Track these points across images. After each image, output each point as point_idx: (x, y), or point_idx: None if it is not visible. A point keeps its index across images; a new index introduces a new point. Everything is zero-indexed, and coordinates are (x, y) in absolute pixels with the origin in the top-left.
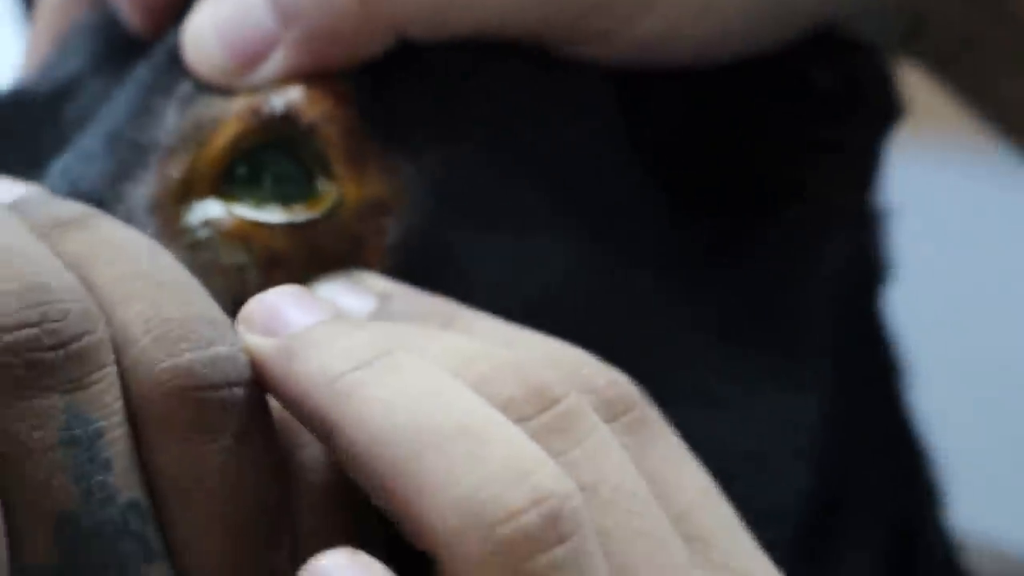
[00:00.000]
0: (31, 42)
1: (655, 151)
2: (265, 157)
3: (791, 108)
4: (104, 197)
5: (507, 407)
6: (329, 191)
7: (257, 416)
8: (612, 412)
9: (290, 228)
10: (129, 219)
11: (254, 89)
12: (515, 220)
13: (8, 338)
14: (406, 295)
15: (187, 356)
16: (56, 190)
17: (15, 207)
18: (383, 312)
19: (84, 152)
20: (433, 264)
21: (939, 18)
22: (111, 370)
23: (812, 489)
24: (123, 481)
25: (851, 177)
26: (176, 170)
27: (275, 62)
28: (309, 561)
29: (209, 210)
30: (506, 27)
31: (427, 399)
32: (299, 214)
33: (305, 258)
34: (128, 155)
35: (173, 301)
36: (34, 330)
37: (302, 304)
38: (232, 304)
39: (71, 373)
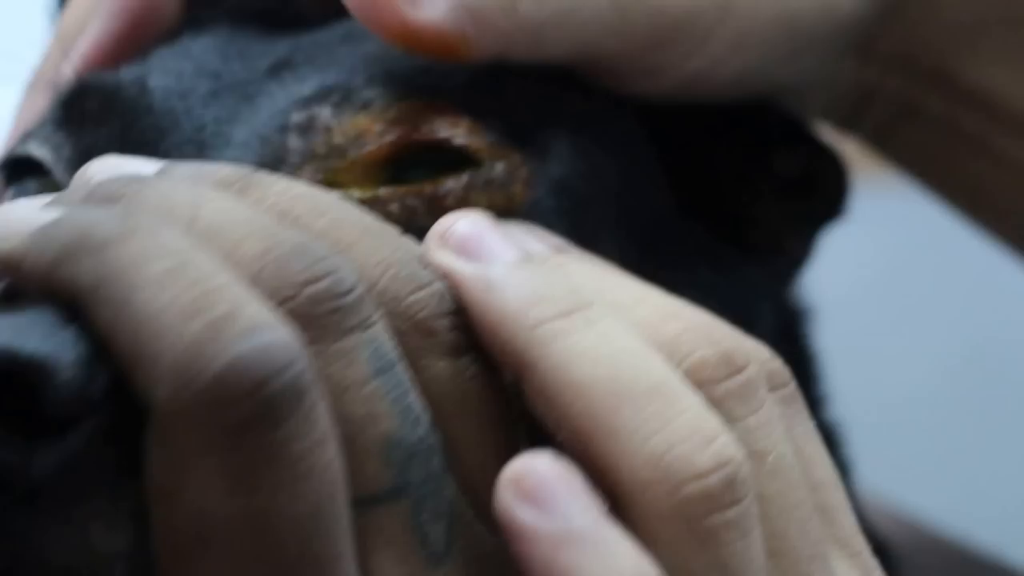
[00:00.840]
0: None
1: (670, 174)
2: (414, 154)
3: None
4: None
5: (700, 367)
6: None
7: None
8: (772, 384)
9: (469, 183)
10: None
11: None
12: (592, 217)
13: (309, 291)
14: (581, 253)
15: (422, 292)
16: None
17: (170, 176)
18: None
19: (229, 157)
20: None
21: (882, 90)
22: (379, 309)
23: None
24: (419, 402)
25: (782, 260)
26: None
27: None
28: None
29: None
30: (588, 54)
31: (624, 356)
32: (463, 175)
33: (467, 193)
34: (274, 155)
35: (386, 244)
36: (324, 282)
37: (501, 235)
38: None
39: (363, 313)
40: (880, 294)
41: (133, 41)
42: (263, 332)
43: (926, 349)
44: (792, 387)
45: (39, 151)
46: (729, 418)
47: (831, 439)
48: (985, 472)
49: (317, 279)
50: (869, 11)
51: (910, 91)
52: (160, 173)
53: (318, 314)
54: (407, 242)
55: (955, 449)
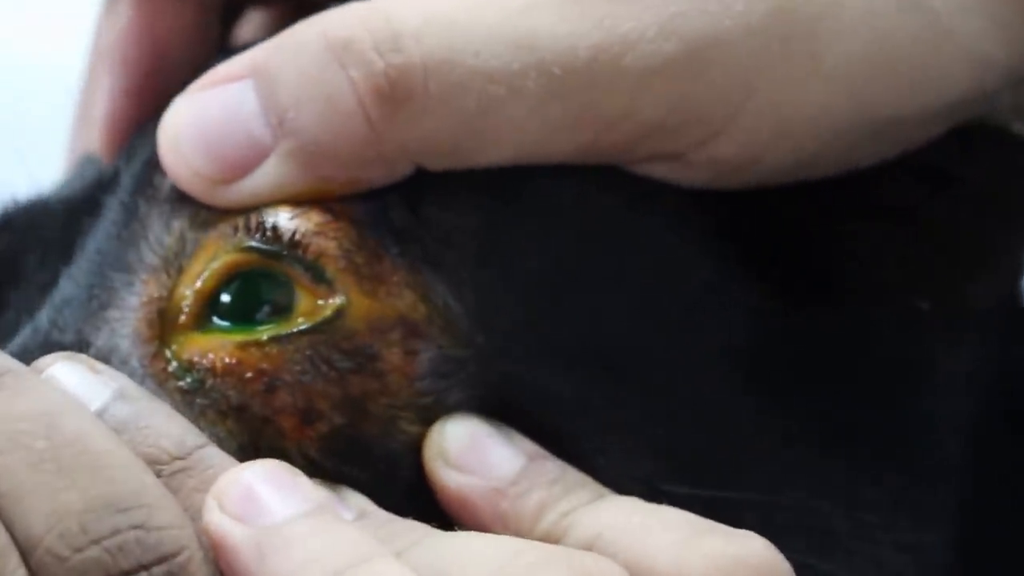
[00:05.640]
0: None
1: (747, 240)
2: (250, 280)
3: (920, 202)
4: (84, 329)
5: None
6: (329, 302)
7: None
8: None
9: (283, 339)
10: (111, 355)
11: (235, 206)
12: (594, 351)
13: None
14: (552, 467)
15: (92, 550)
16: (45, 318)
17: None
18: (529, 471)
19: (70, 277)
20: (492, 406)
21: None
22: (20, 573)
23: None
24: None
25: (990, 278)
26: (158, 297)
27: (263, 176)
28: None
29: (192, 349)
30: (541, 156)
31: None
32: (291, 324)
33: (303, 374)
34: (109, 280)
35: (73, 487)
36: None
37: (281, 487)
38: (239, 451)
39: None
40: None
41: (147, 94)
42: None
43: None
44: None
45: None
46: None
47: None
48: None
49: None
50: None
51: None
52: None
53: None
54: (121, 476)
55: None
